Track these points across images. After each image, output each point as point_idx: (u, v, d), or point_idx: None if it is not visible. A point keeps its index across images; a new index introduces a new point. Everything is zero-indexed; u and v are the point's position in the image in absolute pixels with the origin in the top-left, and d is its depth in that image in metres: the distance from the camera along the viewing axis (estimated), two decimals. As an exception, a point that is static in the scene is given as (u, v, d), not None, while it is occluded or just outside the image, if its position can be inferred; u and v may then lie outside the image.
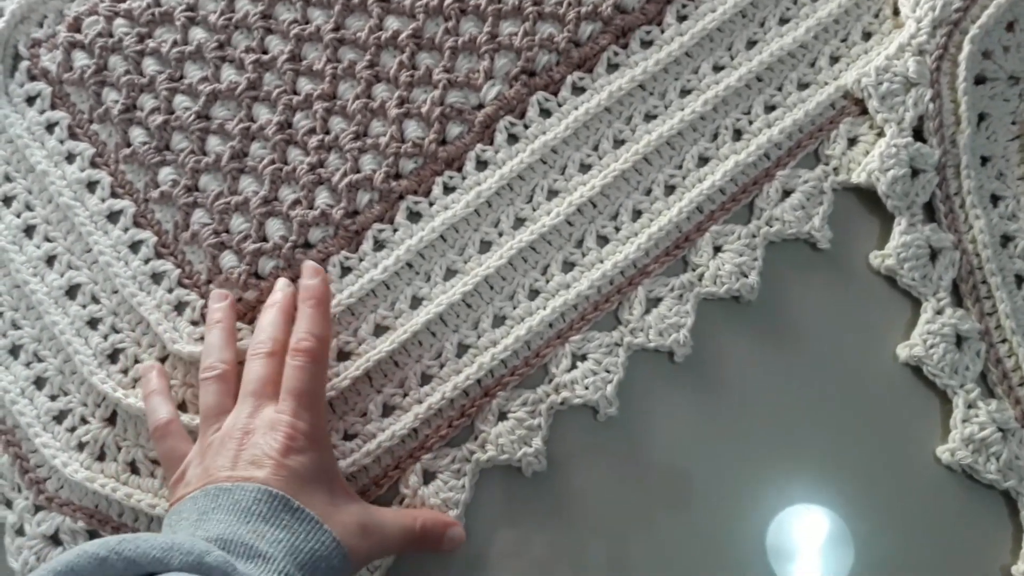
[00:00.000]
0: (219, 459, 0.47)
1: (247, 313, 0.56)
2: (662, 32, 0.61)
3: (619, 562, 0.54)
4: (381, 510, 0.50)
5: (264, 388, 0.50)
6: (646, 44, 0.61)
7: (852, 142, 0.60)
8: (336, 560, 0.44)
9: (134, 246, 0.58)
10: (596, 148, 0.59)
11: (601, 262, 0.57)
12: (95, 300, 0.57)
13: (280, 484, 0.45)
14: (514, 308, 0.57)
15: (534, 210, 0.58)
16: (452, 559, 0.54)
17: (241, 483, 0.44)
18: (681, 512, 0.55)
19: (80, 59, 0.61)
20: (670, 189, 0.59)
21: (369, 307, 0.57)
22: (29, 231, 0.58)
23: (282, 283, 0.55)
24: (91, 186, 0.59)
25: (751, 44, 0.62)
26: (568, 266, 0.58)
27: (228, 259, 0.57)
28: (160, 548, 0.37)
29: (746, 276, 0.57)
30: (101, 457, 0.55)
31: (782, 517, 0.55)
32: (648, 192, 0.59)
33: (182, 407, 0.55)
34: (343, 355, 0.56)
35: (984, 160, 0.60)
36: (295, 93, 0.59)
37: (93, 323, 0.56)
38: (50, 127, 0.60)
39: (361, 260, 0.57)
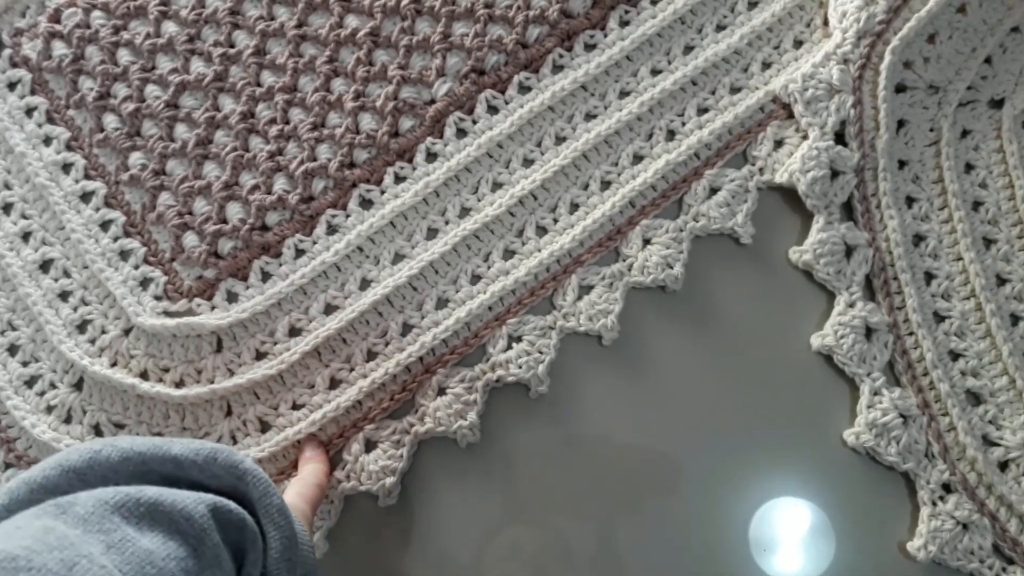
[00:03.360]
0: None
1: (206, 290, 0.60)
2: (605, 36, 0.65)
3: (549, 527, 0.58)
4: (303, 482, 0.54)
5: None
6: (590, 47, 0.65)
7: (778, 144, 0.64)
8: (307, 546, 0.45)
9: (104, 225, 0.62)
10: (539, 144, 0.63)
11: (539, 251, 0.61)
12: (66, 274, 0.61)
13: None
14: (456, 292, 0.61)
15: (479, 201, 0.62)
16: (388, 522, 0.58)
17: None
18: (601, 480, 0.59)
19: (59, 48, 0.65)
20: (606, 184, 0.63)
21: (320, 287, 0.61)
22: (7, 208, 0.62)
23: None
24: (66, 168, 0.63)
25: (688, 49, 0.66)
26: (508, 254, 0.62)
27: (190, 239, 0.61)
28: (159, 438, 0.38)
29: (671, 267, 0.61)
30: (68, 420, 0.59)
31: (693, 486, 0.59)
32: (586, 187, 0.63)
33: (144, 376, 0.59)
34: (294, 331, 0.60)
35: (901, 164, 0.64)
36: (258, 85, 0.63)
37: (64, 296, 0.61)
38: (29, 111, 0.64)
39: (315, 243, 0.61)
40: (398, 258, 0.61)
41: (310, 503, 0.51)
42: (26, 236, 0.62)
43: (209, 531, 0.35)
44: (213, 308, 0.60)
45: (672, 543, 0.58)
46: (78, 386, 0.59)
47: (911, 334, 0.61)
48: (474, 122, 0.64)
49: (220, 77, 0.64)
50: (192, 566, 0.34)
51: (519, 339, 0.60)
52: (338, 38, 0.64)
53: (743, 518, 0.59)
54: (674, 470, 0.60)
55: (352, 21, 0.64)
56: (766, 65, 0.66)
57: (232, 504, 0.37)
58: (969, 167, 0.65)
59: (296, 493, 0.51)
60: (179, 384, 0.59)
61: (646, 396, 0.60)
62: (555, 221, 0.62)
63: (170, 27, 0.65)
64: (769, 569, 0.58)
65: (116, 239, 0.61)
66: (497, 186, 0.63)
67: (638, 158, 0.63)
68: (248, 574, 0.38)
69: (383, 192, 0.62)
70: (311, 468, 0.55)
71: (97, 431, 0.59)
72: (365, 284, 0.61)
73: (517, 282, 0.61)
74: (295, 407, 0.59)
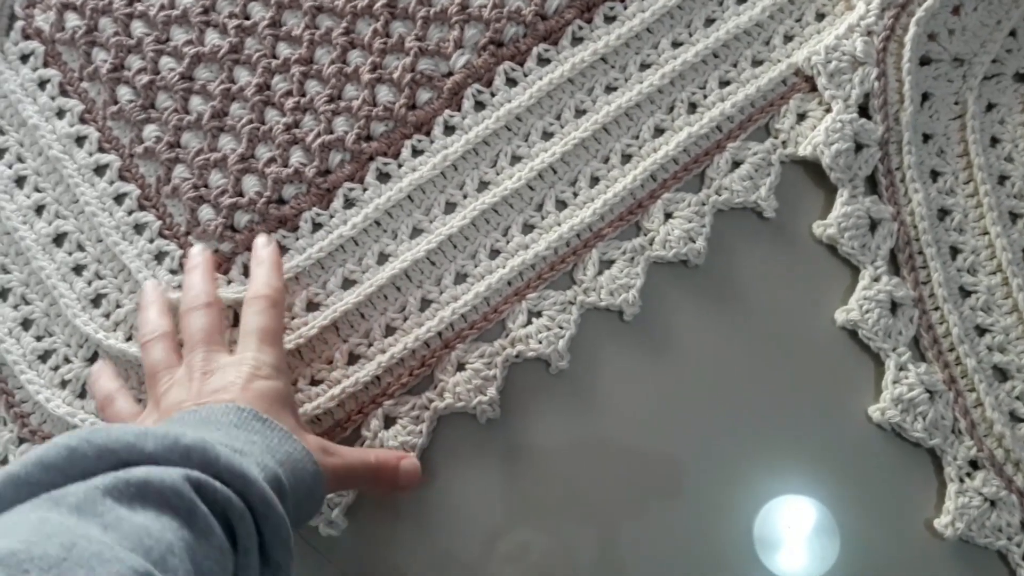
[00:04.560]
0: (180, 394, 0.49)
1: (222, 264, 0.60)
2: (625, 8, 0.64)
3: (567, 502, 0.58)
4: (338, 445, 0.53)
5: (212, 336, 0.52)
6: (609, 19, 0.64)
7: (801, 117, 0.63)
8: (310, 466, 0.45)
9: (118, 198, 0.61)
10: (558, 117, 0.63)
11: (559, 225, 0.61)
12: (80, 248, 0.60)
13: (248, 402, 0.46)
14: (475, 266, 0.60)
15: (497, 174, 0.61)
16: (407, 499, 0.57)
17: (208, 404, 0.46)
18: (620, 455, 0.58)
19: (72, 20, 0.64)
20: (626, 158, 0.62)
21: (338, 261, 0.60)
22: (20, 181, 0.61)
23: (199, 247, 0.58)
24: (79, 140, 0.62)
25: (709, 22, 0.65)
26: (528, 228, 0.61)
27: (206, 212, 0.60)
28: (133, 433, 0.38)
29: (694, 242, 0.60)
30: (82, 395, 0.58)
31: (718, 462, 0.59)
32: (606, 160, 0.62)
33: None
34: (312, 306, 0.59)
35: (926, 137, 0.63)
36: (274, 57, 0.63)
37: (78, 269, 0.60)
38: (42, 84, 0.63)
39: (332, 217, 0.61)
40: (416, 232, 0.61)
41: (335, 473, 0.50)
42: (39, 209, 0.61)
43: (198, 503, 0.36)
44: (229, 282, 0.59)
45: (698, 524, 0.58)
46: (93, 360, 0.59)
47: (936, 309, 0.60)
48: (492, 94, 0.63)
49: (235, 49, 0.63)
50: (187, 535, 0.35)
51: (539, 314, 0.59)
52: (354, 9, 0.63)
53: (766, 500, 0.58)
54: (696, 449, 0.59)
55: (369, -8, 0.64)
56: (788, 38, 0.65)
57: (216, 483, 0.38)
58: (995, 140, 0.64)
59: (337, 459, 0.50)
60: (195, 358, 0.58)
61: (668, 372, 0.60)
62: (575, 195, 0.61)
63: (184, -1, 0.64)
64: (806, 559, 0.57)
65: (131, 212, 0.61)
66: (516, 159, 0.62)
67: (659, 131, 0.63)
68: (244, 547, 0.38)
69: (400, 165, 0.61)
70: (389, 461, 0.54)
71: (112, 406, 0.58)
72: (383, 258, 0.60)
73: (537, 256, 0.60)
74: (314, 382, 0.58)
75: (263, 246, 0.57)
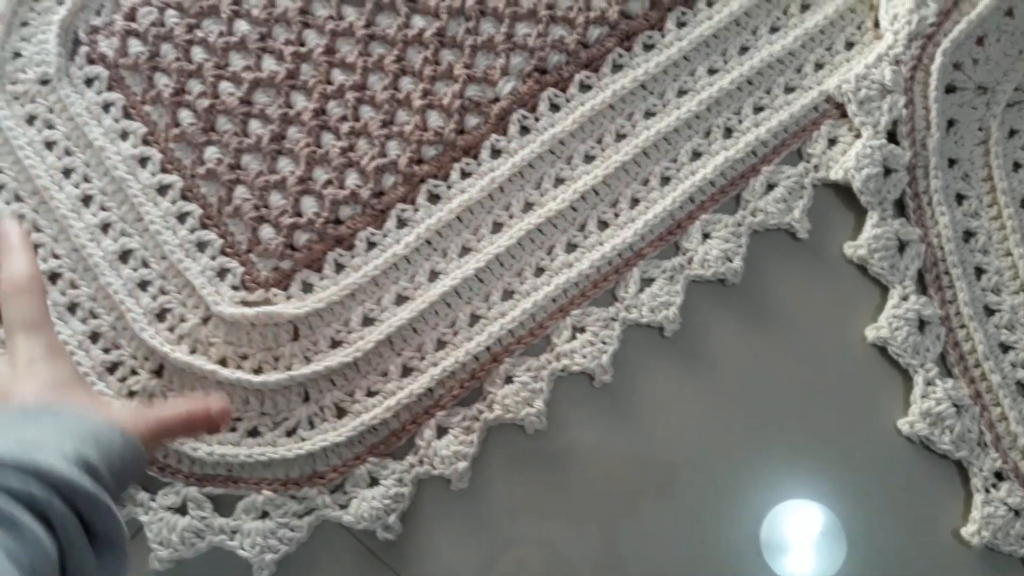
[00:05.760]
0: None
1: (282, 280, 0.62)
2: (663, 37, 0.67)
3: (609, 510, 0.61)
4: (153, 407, 0.50)
5: None
6: (648, 47, 0.67)
7: (832, 142, 0.66)
8: (116, 436, 0.43)
9: (181, 217, 0.64)
10: (600, 141, 0.66)
11: (601, 244, 0.63)
12: (145, 265, 0.63)
13: (32, 395, 0.44)
14: (521, 283, 0.63)
15: (542, 196, 0.64)
16: (457, 505, 0.60)
17: None
18: (663, 467, 0.61)
19: (135, 46, 0.67)
20: (665, 180, 0.65)
21: (391, 279, 0.63)
22: (87, 200, 0.64)
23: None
24: (143, 161, 0.65)
25: (743, 50, 0.68)
26: (571, 247, 0.64)
27: (266, 231, 0.63)
28: None
29: (731, 261, 0.63)
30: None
31: (756, 474, 0.61)
32: (646, 182, 0.65)
33: (223, 362, 0.61)
34: (368, 321, 0.62)
35: (951, 162, 0.66)
36: (329, 83, 0.65)
37: (143, 285, 0.63)
38: (106, 107, 0.66)
39: (385, 236, 0.63)
40: (465, 251, 0.64)
41: (150, 432, 0.47)
42: (105, 227, 0.64)
43: (15, 510, 0.35)
44: (289, 298, 0.62)
45: (735, 531, 0.60)
46: (158, 372, 0.61)
47: (963, 327, 0.63)
48: (537, 119, 0.66)
49: (292, 75, 0.66)
50: (12, 545, 0.34)
51: (583, 330, 0.62)
52: (406, 38, 0.66)
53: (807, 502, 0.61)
54: (729, 459, 0.62)
55: (419, 22, 0.66)
56: (819, 66, 0.68)
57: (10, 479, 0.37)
58: (1017, 165, 0.67)
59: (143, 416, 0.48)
60: (258, 371, 0.61)
61: (706, 385, 0.62)
62: (616, 216, 0.64)
63: (242, 26, 0.67)
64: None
65: (193, 231, 0.63)
66: (559, 182, 0.65)
67: (697, 155, 0.65)
68: (66, 538, 0.37)
69: (450, 187, 0.64)
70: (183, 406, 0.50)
71: (177, 416, 0.61)
72: (434, 276, 0.63)
73: (580, 275, 0.63)
74: (370, 394, 0.61)
75: (10, 233, 0.51)
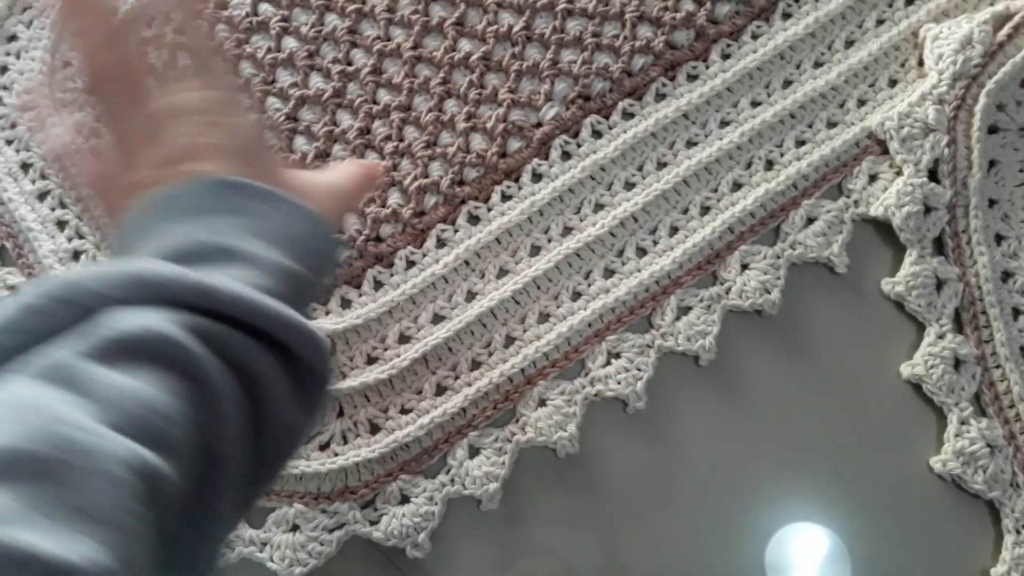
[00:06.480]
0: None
1: (321, 296, 0.63)
2: (707, 68, 0.68)
3: (639, 536, 0.61)
4: (312, 172, 0.44)
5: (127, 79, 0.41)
6: (692, 78, 0.68)
7: (873, 178, 0.66)
8: (320, 230, 0.38)
9: (224, 229, 0.64)
10: (641, 169, 0.66)
11: (639, 271, 0.64)
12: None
13: (224, 168, 0.37)
14: (558, 307, 0.63)
15: (581, 221, 0.65)
16: (488, 527, 0.60)
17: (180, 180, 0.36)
18: (694, 496, 0.61)
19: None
20: (705, 210, 0.65)
21: (429, 298, 0.63)
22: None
23: None
24: (188, 173, 0.66)
25: (787, 84, 0.68)
26: (609, 273, 0.64)
27: (308, 246, 0.64)
28: (91, 277, 0.30)
29: (769, 293, 0.63)
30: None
31: (781, 505, 0.61)
32: (685, 211, 0.65)
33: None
34: (404, 339, 0.63)
35: (991, 202, 0.66)
36: (375, 103, 0.66)
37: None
38: (155, 118, 0.67)
39: (424, 255, 0.64)
40: (502, 273, 0.64)
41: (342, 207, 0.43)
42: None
43: (195, 350, 0.29)
44: (328, 313, 0.63)
45: (759, 557, 0.60)
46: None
47: (999, 367, 0.63)
48: (579, 145, 0.66)
49: (338, 93, 0.66)
50: (190, 395, 0.29)
51: (618, 355, 0.63)
52: (451, 61, 0.67)
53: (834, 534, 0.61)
54: (760, 491, 0.62)
55: (465, 45, 0.67)
56: (861, 102, 0.68)
57: (207, 322, 0.30)
58: (1058, 208, 0.67)
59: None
60: (294, 384, 0.61)
61: (740, 416, 0.63)
62: (655, 243, 0.65)
63: (290, 43, 0.68)
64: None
65: (236, 243, 0.64)
66: (599, 207, 0.65)
67: (737, 185, 0.66)
68: (264, 392, 0.32)
69: (490, 209, 0.65)
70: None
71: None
72: (471, 296, 0.63)
73: (617, 300, 0.63)
74: (403, 411, 0.61)
75: None
